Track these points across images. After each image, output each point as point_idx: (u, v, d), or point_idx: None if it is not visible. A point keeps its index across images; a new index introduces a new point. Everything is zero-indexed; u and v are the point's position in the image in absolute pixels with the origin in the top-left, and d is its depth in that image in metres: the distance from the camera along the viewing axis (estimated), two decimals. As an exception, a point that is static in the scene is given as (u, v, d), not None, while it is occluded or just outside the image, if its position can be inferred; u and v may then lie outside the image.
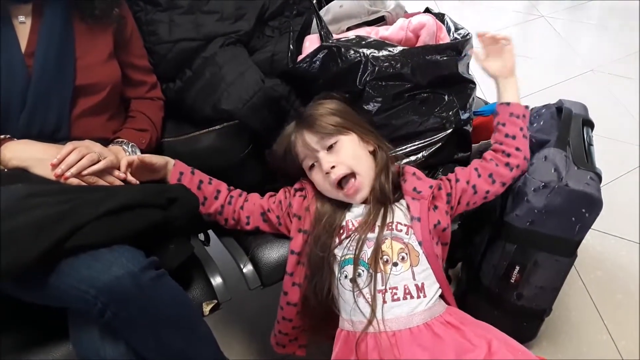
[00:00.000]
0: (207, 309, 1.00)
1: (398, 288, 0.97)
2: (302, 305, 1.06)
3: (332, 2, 1.29)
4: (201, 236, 1.18)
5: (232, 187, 1.12)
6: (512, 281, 1.23)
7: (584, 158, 1.15)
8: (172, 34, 1.18)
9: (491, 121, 1.46)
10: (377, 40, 1.17)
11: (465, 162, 1.27)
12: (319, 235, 1.01)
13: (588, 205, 1.10)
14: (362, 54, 1.10)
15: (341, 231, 1.02)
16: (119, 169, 1.03)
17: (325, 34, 1.17)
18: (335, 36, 1.20)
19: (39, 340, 0.93)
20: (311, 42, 1.22)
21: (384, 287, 0.96)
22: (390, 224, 1.00)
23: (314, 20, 1.24)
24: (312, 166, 1.04)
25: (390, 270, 0.97)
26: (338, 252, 1.01)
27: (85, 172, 0.95)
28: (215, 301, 1.01)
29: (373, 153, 1.07)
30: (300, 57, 1.20)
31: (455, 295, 1.47)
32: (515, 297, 1.26)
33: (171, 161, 1.07)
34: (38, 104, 0.99)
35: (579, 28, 3.05)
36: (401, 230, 1.00)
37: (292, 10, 1.31)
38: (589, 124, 1.28)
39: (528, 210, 1.14)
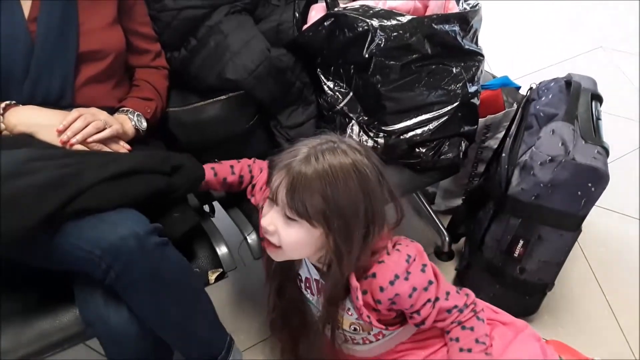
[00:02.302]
0: (212, 277, 1.01)
1: (356, 338, 1.00)
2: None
3: (340, -29, 1.26)
4: (206, 207, 1.19)
5: (250, 163, 1.08)
6: (516, 255, 1.24)
7: (592, 132, 1.14)
8: (177, 1, 1.16)
9: (499, 95, 1.46)
10: (385, 9, 1.15)
11: (471, 136, 1.26)
12: (280, 279, 1.01)
13: (594, 180, 1.10)
14: (369, 23, 1.08)
15: (299, 278, 1.01)
16: (124, 138, 1.03)
17: (331, 3, 1.16)
18: (341, 5, 1.18)
19: (47, 306, 0.94)
20: (317, 11, 1.21)
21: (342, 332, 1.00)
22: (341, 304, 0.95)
23: (321, -11, 1.22)
24: (269, 200, 0.87)
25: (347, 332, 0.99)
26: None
27: (90, 140, 0.95)
28: (221, 270, 1.02)
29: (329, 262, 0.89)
30: (305, 27, 1.19)
31: (457, 270, 1.49)
32: (518, 271, 1.26)
33: None
34: (41, 70, 0.98)
35: (589, 4, 2.99)
36: (352, 315, 0.96)
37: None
38: (597, 98, 1.27)
39: (534, 184, 1.13)
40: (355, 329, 0.99)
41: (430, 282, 0.90)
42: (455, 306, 0.93)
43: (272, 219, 0.85)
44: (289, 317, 1.05)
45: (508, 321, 1.05)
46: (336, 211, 0.81)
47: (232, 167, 1.07)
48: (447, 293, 0.92)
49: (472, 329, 0.93)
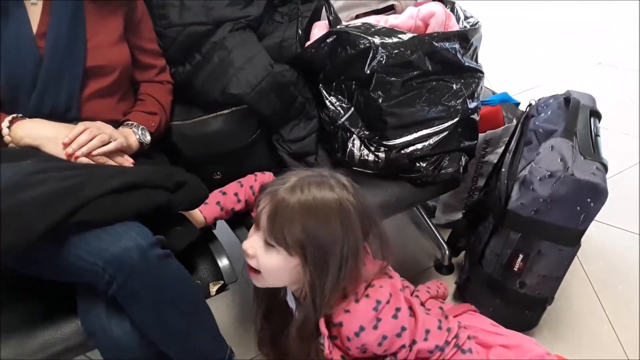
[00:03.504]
0: (213, 289, 1.01)
1: None
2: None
3: (342, -11, 1.29)
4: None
5: (252, 183, 1.09)
6: (515, 269, 1.25)
7: (591, 148, 1.16)
8: (183, 17, 1.18)
9: (499, 111, 1.47)
10: (386, 27, 1.17)
11: (471, 151, 1.27)
12: (267, 303, 1.02)
13: (593, 195, 1.11)
14: (370, 41, 1.11)
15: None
16: (128, 152, 1.04)
17: (334, 20, 1.18)
18: (343, 23, 1.21)
19: (49, 317, 0.95)
20: (319, 29, 1.23)
21: None
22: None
23: (323, 8, 1.24)
24: (254, 223, 0.89)
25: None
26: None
27: (95, 153, 0.96)
28: (222, 282, 1.02)
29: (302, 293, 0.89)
30: (308, 43, 1.21)
31: (457, 284, 1.49)
32: (517, 285, 1.27)
33: (199, 216, 1.04)
34: (49, 84, 1.00)
35: (588, 21, 3.03)
36: (324, 349, 0.94)
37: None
38: (596, 114, 1.29)
39: (533, 199, 1.14)
40: None
41: (403, 329, 0.87)
42: (437, 346, 0.90)
43: (252, 242, 0.86)
44: (276, 338, 1.05)
45: (511, 344, 1.01)
46: (314, 243, 0.81)
47: (236, 194, 1.07)
48: (427, 332, 0.89)
49: None
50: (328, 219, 0.81)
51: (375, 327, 0.86)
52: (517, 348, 1.00)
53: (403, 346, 0.88)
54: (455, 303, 1.48)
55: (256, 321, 1.05)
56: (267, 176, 1.11)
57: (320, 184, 0.83)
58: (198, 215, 1.04)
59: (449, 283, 1.52)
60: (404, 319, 0.88)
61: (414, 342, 0.88)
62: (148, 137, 1.10)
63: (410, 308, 0.90)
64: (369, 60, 1.12)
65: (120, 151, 1.02)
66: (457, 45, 1.14)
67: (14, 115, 0.97)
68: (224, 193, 1.07)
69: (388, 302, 0.87)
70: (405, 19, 1.20)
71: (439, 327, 0.91)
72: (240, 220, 1.14)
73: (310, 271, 0.83)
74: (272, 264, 0.84)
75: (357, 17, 1.29)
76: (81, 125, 0.96)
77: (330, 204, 0.82)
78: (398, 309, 0.88)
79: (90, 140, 0.96)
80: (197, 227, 1.03)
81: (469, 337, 0.94)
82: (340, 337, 0.89)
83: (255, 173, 1.12)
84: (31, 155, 0.92)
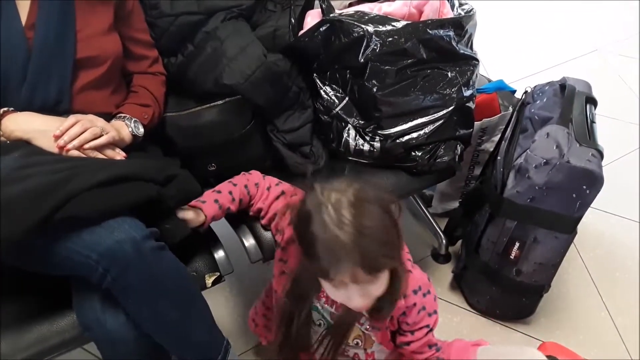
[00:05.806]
0: (209, 280, 1.01)
1: (349, 352, 1.02)
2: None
3: (335, -23, 1.27)
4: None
5: (246, 182, 1.07)
6: (512, 257, 1.25)
7: (586, 135, 1.15)
8: (174, 7, 1.16)
9: (495, 99, 1.47)
10: (380, 15, 1.16)
11: (467, 140, 1.27)
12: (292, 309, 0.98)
13: (589, 182, 1.11)
14: (364, 29, 1.09)
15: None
16: (120, 145, 1.03)
17: (327, 8, 1.17)
18: (337, 11, 1.19)
19: (44, 311, 0.95)
20: (313, 17, 1.22)
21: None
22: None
23: (316, -5, 1.23)
24: (338, 284, 0.82)
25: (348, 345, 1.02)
26: None
27: (87, 146, 0.95)
28: (218, 273, 1.02)
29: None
30: (301, 32, 1.20)
31: (454, 273, 1.50)
32: (514, 273, 1.27)
33: (200, 213, 1.02)
34: (39, 76, 0.99)
35: (584, 7, 3.01)
36: (362, 324, 0.98)
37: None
38: (592, 101, 1.28)
39: (529, 187, 1.14)
40: (357, 343, 1.00)
41: (435, 312, 0.95)
42: (435, 344, 0.98)
43: (364, 301, 0.84)
44: (294, 340, 1.01)
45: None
46: (392, 237, 0.81)
47: (230, 192, 1.05)
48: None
49: None
50: (383, 221, 0.80)
51: (424, 295, 0.93)
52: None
53: (427, 326, 0.94)
54: (452, 292, 1.49)
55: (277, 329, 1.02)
56: (255, 175, 1.09)
57: (355, 199, 0.79)
58: (200, 213, 1.01)
59: (445, 272, 1.53)
60: (437, 306, 0.96)
61: (432, 329, 0.96)
62: (141, 130, 1.09)
63: None
64: (362, 48, 1.11)
65: (113, 144, 1.01)
66: (451, 33, 1.13)
67: (5, 108, 0.96)
68: (219, 192, 1.06)
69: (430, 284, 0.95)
70: (399, 7, 1.19)
71: None
72: (241, 219, 1.12)
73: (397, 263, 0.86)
74: (384, 285, 0.84)
75: (351, 5, 1.28)
76: (73, 118, 0.95)
77: (376, 209, 0.79)
78: (435, 296, 0.96)
79: (82, 133, 0.94)
80: (199, 224, 1.01)
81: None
82: None
83: (242, 173, 1.09)
84: (17, 148, 0.91)
